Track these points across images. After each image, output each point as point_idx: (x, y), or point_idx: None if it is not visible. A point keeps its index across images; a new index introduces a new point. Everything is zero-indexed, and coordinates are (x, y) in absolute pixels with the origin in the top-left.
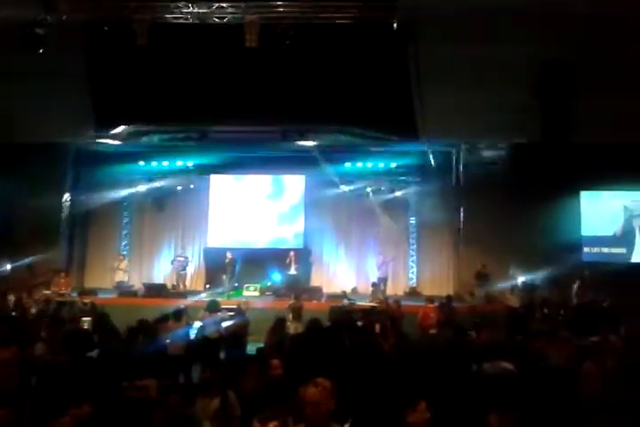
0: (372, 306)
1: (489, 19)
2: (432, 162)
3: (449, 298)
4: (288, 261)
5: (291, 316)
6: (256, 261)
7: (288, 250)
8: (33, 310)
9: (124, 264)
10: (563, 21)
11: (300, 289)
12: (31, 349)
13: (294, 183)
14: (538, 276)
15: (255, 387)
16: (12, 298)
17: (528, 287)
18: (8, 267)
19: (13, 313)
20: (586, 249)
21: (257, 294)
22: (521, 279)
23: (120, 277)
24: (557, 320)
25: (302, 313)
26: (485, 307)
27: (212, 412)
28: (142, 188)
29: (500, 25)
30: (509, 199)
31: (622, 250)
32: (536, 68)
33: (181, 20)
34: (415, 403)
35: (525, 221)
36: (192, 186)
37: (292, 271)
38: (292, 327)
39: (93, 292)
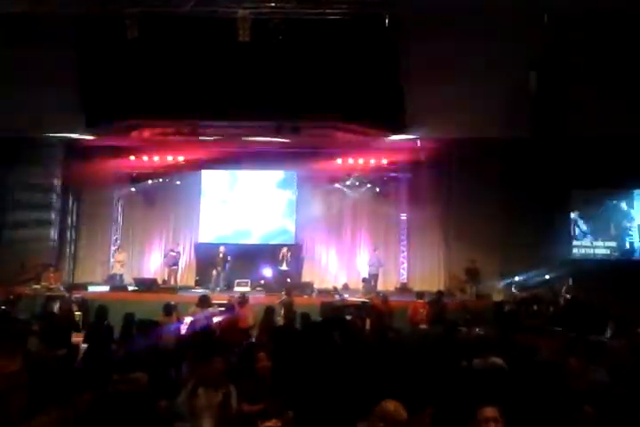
0: (363, 301)
1: (478, 15)
2: (423, 158)
3: (439, 294)
4: (281, 256)
5: (282, 311)
6: (247, 257)
7: (280, 246)
8: (23, 305)
9: (122, 256)
10: (551, 17)
11: (291, 285)
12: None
13: (286, 179)
14: (528, 272)
15: (244, 380)
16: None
17: (518, 284)
18: None
19: (3, 307)
20: (576, 245)
21: (248, 289)
22: (511, 276)
23: (117, 269)
24: (547, 316)
25: (294, 309)
26: (476, 303)
27: (215, 406)
28: (133, 182)
29: (490, 21)
30: (500, 195)
31: (613, 246)
32: (526, 63)
33: (172, 14)
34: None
35: (516, 218)
36: (183, 181)
37: (284, 267)
38: (284, 323)
39: (84, 286)
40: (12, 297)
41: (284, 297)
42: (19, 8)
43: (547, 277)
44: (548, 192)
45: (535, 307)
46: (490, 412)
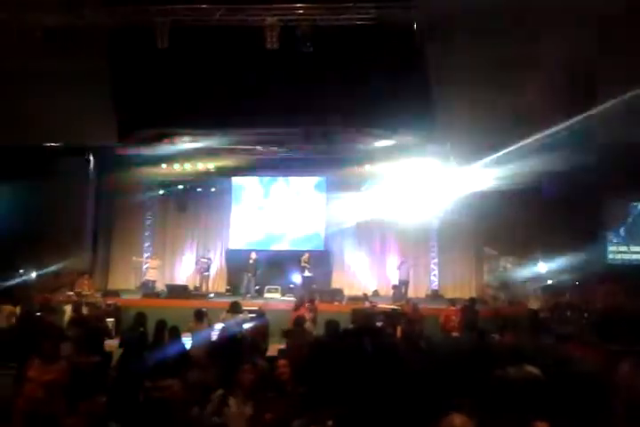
0: (394, 308)
1: (509, 18)
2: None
3: (471, 300)
4: (302, 263)
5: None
6: (276, 263)
7: (303, 252)
8: (58, 312)
9: (156, 263)
10: (583, 20)
11: (314, 292)
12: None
13: (315, 185)
14: (562, 278)
15: (263, 387)
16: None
17: (552, 290)
18: (34, 270)
19: (38, 313)
20: (612, 250)
21: (278, 295)
22: (544, 282)
23: (151, 275)
24: (582, 324)
25: (317, 316)
26: (508, 310)
27: (247, 416)
28: (164, 190)
29: (520, 24)
30: (532, 200)
31: None
32: (558, 67)
33: (202, 23)
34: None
35: (550, 223)
36: (213, 188)
37: (307, 273)
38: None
39: (117, 293)
40: (47, 304)
41: (307, 304)
42: (52, 21)
43: (581, 282)
44: (583, 197)
45: (569, 313)
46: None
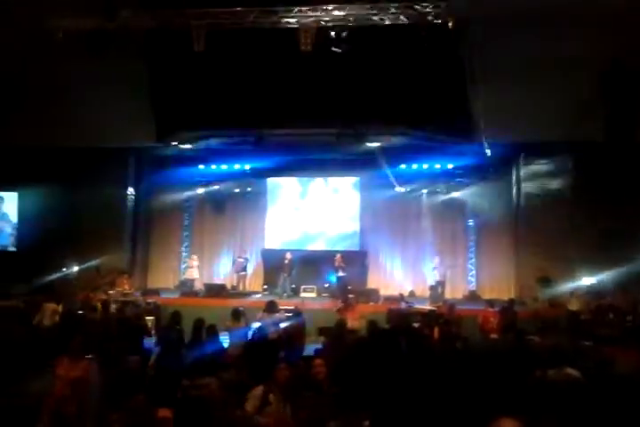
0: (431, 309)
1: (546, 17)
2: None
3: (510, 302)
4: (336, 264)
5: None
6: (312, 263)
7: (337, 252)
8: (99, 310)
9: (194, 262)
10: (622, 19)
11: (349, 292)
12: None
13: (350, 185)
14: (603, 280)
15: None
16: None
17: (593, 292)
18: (76, 268)
19: (80, 312)
20: None
21: (314, 295)
22: (586, 283)
23: (190, 274)
24: (624, 327)
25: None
26: (549, 311)
27: (288, 414)
28: (202, 191)
29: (558, 23)
30: (572, 200)
31: None
32: (598, 65)
33: (237, 26)
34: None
35: (590, 223)
36: (249, 188)
37: (341, 273)
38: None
39: (156, 292)
40: (88, 302)
41: (340, 305)
42: (92, 24)
43: (624, 285)
44: (623, 195)
45: (611, 316)
46: None
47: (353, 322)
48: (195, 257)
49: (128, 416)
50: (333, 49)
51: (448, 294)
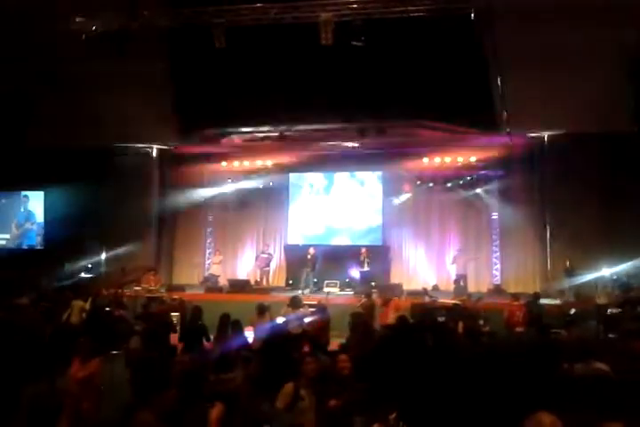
0: (455, 303)
1: (573, 3)
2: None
3: (536, 295)
4: (361, 258)
5: None
6: (335, 258)
7: (361, 247)
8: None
9: (218, 258)
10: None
11: (372, 287)
12: (127, 343)
13: (372, 180)
14: (632, 272)
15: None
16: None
17: (621, 285)
18: (102, 266)
19: (107, 308)
20: None
21: (337, 290)
22: (613, 276)
23: (215, 271)
24: None
25: (374, 312)
26: (575, 305)
27: (315, 406)
28: (225, 187)
29: (585, 9)
30: (599, 192)
31: None
32: (627, 52)
33: (257, 22)
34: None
35: (617, 216)
36: (272, 184)
37: (365, 268)
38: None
39: (181, 288)
40: (116, 299)
41: (364, 300)
42: (114, 24)
43: None
44: None
45: (639, 309)
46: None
47: (392, 316)
48: (219, 253)
49: (157, 414)
50: (354, 43)
51: (472, 288)
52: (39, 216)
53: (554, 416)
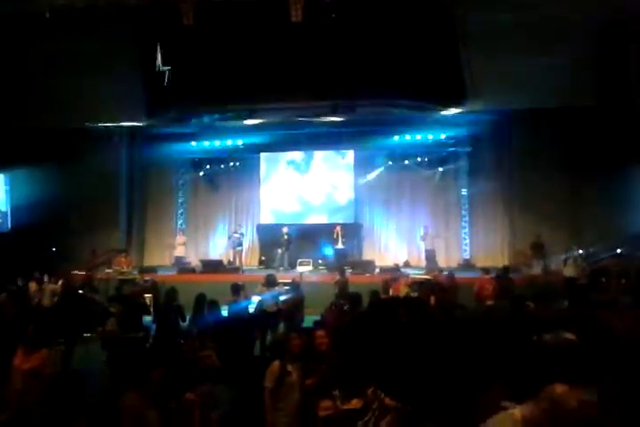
0: (427, 278)
1: None
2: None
3: (506, 269)
4: (335, 235)
5: (336, 291)
6: (308, 237)
7: (337, 224)
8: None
9: (182, 239)
10: None
11: (345, 264)
12: (103, 326)
13: (343, 158)
14: (597, 245)
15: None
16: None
17: (587, 257)
18: (72, 249)
19: (80, 291)
20: None
21: (310, 268)
22: (579, 249)
23: (179, 252)
24: (619, 290)
25: (347, 289)
26: (543, 277)
27: (300, 380)
28: (195, 167)
29: None
30: (566, 167)
31: None
32: (589, 28)
33: None
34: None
35: (583, 190)
36: (243, 164)
37: (340, 246)
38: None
39: (153, 269)
40: (88, 282)
41: (337, 277)
42: (80, 2)
43: (618, 250)
44: (617, 162)
45: (604, 280)
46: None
47: (404, 290)
48: (182, 234)
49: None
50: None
51: (442, 264)
52: (3, 199)
53: (568, 387)
